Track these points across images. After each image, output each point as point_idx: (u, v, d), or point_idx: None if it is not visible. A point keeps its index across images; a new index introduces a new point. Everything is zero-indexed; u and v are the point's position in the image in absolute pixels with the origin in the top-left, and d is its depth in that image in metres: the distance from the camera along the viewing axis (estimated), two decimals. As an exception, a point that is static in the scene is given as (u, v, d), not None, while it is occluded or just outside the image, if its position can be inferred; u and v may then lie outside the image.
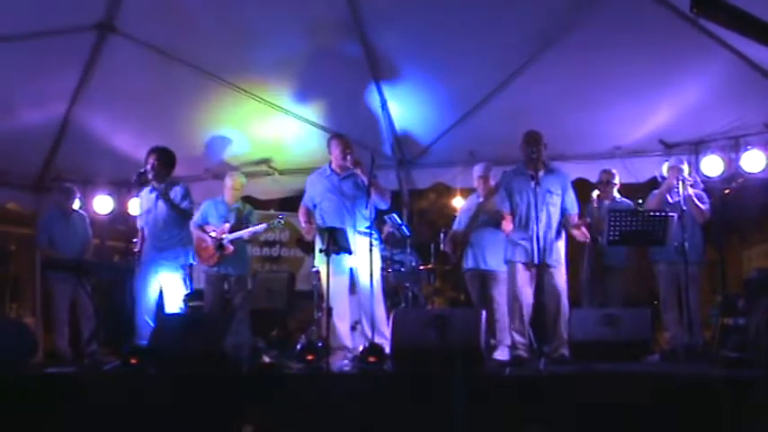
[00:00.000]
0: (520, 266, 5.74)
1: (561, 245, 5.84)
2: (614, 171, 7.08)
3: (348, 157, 6.10)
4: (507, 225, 5.75)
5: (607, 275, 6.92)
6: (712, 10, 2.49)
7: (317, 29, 6.54)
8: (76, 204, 7.62)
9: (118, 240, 8.87)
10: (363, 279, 5.96)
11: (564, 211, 5.85)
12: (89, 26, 6.46)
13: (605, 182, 7.01)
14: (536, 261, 5.64)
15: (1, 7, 5.89)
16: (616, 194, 7.03)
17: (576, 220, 5.90)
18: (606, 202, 6.94)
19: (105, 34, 6.55)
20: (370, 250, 5.86)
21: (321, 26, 6.52)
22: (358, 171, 6.08)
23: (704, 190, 6.68)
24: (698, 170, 6.90)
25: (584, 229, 5.85)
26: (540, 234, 5.63)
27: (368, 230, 6.06)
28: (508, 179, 5.96)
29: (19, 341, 5.85)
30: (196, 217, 7.16)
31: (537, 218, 5.59)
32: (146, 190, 6.47)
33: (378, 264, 6.20)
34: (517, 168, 5.95)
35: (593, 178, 7.21)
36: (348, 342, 6.02)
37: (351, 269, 6.07)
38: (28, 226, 8.46)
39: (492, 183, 6.59)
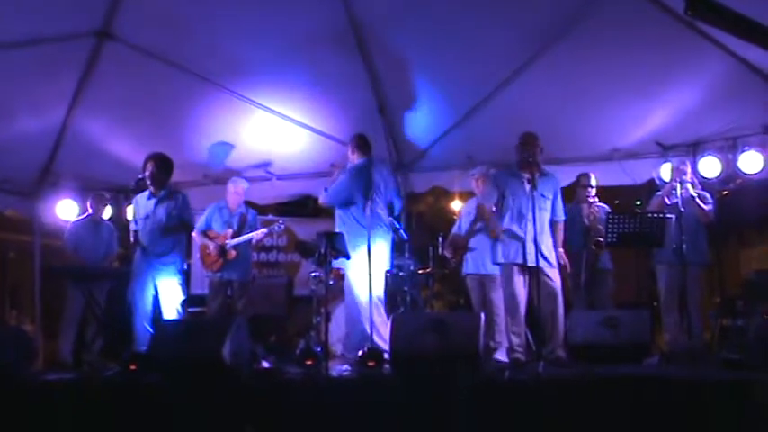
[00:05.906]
0: (514, 268, 5.73)
1: (552, 246, 5.82)
2: (591, 174, 7.05)
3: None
4: (488, 213, 5.93)
5: (597, 277, 6.91)
6: (706, 12, 2.51)
7: (314, 34, 6.53)
8: (107, 214, 7.67)
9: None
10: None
11: (551, 217, 5.87)
12: (87, 33, 6.47)
13: (583, 185, 7.00)
14: (529, 263, 5.63)
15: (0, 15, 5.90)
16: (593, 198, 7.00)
17: (561, 228, 5.93)
18: (583, 206, 6.92)
19: (103, 41, 6.56)
20: (368, 252, 5.89)
21: (319, 31, 6.52)
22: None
23: (705, 190, 6.67)
24: (695, 171, 6.89)
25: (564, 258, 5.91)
26: (533, 237, 5.60)
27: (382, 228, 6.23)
28: (501, 179, 5.96)
29: (18, 348, 5.84)
30: (200, 222, 7.17)
31: (534, 220, 5.57)
32: (142, 196, 6.44)
33: (381, 265, 6.22)
34: (510, 170, 5.94)
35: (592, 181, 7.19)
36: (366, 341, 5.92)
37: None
38: (26, 233, 8.43)
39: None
